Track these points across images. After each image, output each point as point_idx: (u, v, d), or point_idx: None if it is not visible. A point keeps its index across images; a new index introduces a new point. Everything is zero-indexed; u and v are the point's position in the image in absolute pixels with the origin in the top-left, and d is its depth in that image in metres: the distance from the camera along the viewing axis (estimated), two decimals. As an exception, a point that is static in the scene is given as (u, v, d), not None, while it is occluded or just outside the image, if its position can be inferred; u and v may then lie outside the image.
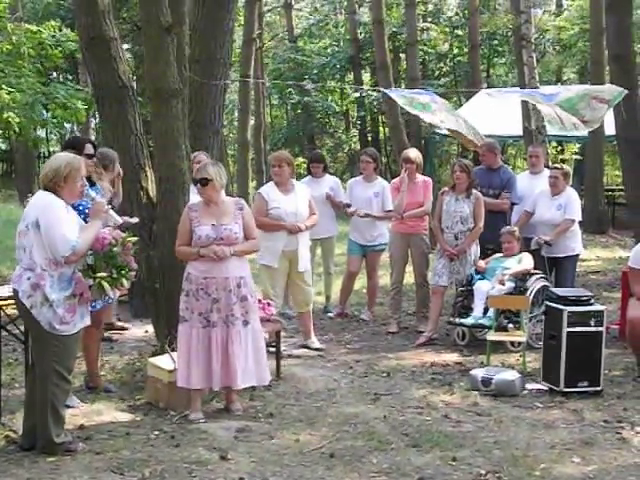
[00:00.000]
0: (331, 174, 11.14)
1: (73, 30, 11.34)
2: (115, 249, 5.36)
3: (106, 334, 8.15)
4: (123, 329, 8.60)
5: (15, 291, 5.24)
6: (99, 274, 5.28)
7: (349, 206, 9.36)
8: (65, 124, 15.80)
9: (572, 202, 8.72)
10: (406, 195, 8.83)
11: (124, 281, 5.42)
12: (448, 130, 9.36)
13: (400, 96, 9.60)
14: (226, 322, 5.98)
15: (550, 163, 12.11)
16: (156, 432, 5.72)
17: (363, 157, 9.65)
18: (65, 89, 11.28)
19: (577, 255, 8.96)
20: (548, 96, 9.29)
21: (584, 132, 10.52)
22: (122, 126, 7.61)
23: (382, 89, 10.73)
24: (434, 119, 8.71)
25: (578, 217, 8.77)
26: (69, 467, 5.07)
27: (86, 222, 5.48)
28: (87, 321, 5.40)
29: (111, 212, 5.70)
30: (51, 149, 33.25)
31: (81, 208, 5.84)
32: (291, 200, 8.02)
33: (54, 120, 11.76)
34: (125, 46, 20.51)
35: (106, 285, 5.29)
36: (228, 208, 6.12)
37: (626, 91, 8.86)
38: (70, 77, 26.53)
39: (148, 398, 6.35)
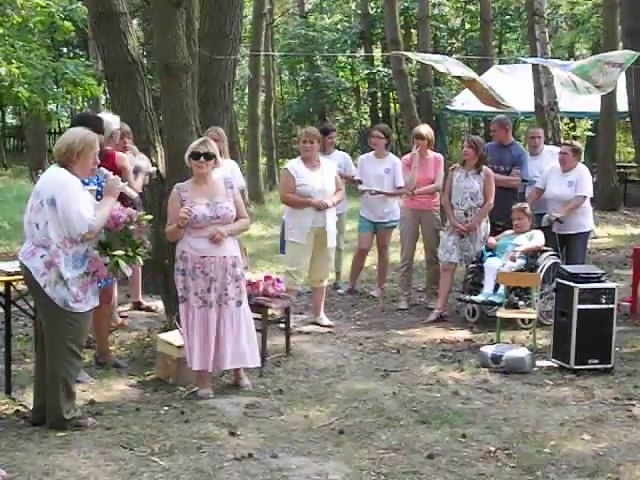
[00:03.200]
0: (341, 150, 11.09)
1: (83, 3, 11.27)
2: (131, 227, 5.40)
3: (123, 312, 8.22)
4: (150, 310, 8.45)
5: (25, 268, 5.21)
6: (115, 252, 5.29)
7: (360, 182, 9.33)
8: (78, 99, 15.75)
9: (583, 179, 8.65)
10: (417, 171, 8.78)
11: (139, 259, 5.46)
12: (463, 80, 8.99)
13: (414, 54, 9.55)
14: (219, 302, 5.95)
15: (562, 139, 12.04)
16: (165, 408, 5.74)
17: (374, 132, 9.60)
18: (74, 65, 11.22)
19: (588, 232, 8.89)
20: (561, 66, 9.23)
21: (598, 94, 10.35)
22: (132, 102, 7.62)
23: (396, 52, 10.62)
24: (448, 68, 8.51)
25: (589, 194, 8.69)
26: (79, 442, 5.09)
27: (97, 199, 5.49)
28: (97, 301, 5.40)
29: (126, 188, 5.70)
30: (62, 125, 33.31)
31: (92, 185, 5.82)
32: (318, 176, 7.97)
33: (67, 95, 11.71)
34: (135, 22, 20.40)
35: (122, 263, 5.32)
36: (219, 186, 6.04)
37: (639, 54, 8.74)
38: (80, 53, 26.47)
39: (158, 374, 6.36)
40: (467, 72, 8.43)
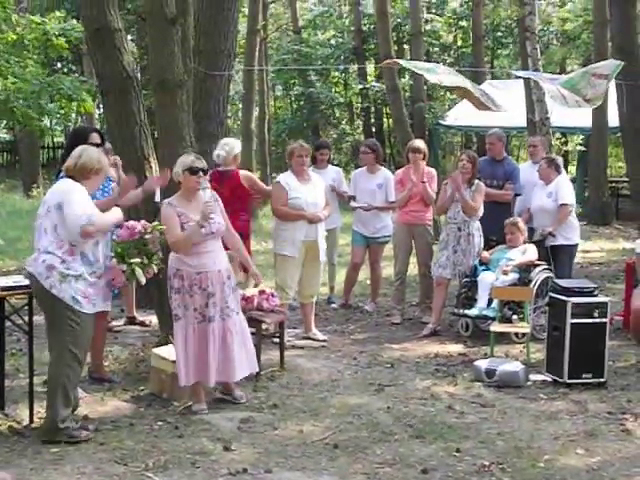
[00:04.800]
0: (334, 165, 11.13)
1: (78, 21, 11.32)
2: (146, 236, 5.66)
3: (117, 326, 8.25)
4: (144, 325, 8.46)
5: (31, 274, 5.37)
6: (132, 260, 5.55)
7: (354, 198, 9.36)
8: (72, 115, 15.81)
9: (561, 188, 8.66)
10: (413, 187, 8.78)
11: (154, 267, 5.70)
12: (455, 89, 9.00)
13: (406, 62, 9.60)
14: (222, 316, 5.97)
15: (554, 154, 12.10)
16: (160, 423, 5.74)
17: (362, 148, 9.70)
18: (70, 80, 11.27)
19: (574, 245, 8.91)
20: (550, 79, 9.31)
21: (588, 108, 10.41)
22: (126, 117, 7.63)
23: (389, 60, 10.66)
24: (439, 78, 8.53)
25: (569, 201, 8.67)
26: (73, 457, 5.09)
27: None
28: (108, 306, 5.58)
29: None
30: (55, 140, 33.31)
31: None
32: (310, 190, 8.00)
33: (61, 111, 11.76)
34: (129, 37, 20.48)
35: (138, 270, 5.57)
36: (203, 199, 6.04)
37: (623, 63, 8.79)
38: (74, 68, 26.53)
39: (152, 389, 6.36)
40: (460, 81, 8.44)
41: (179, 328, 5.97)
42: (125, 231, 5.64)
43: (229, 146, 7.90)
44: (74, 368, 5.37)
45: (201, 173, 5.96)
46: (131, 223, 5.65)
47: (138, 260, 5.59)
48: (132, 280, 5.66)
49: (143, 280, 5.70)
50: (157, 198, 6.48)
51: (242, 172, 7.97)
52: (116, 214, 5.64)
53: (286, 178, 8.07)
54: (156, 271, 5.75)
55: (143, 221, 5.81)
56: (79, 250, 5.32)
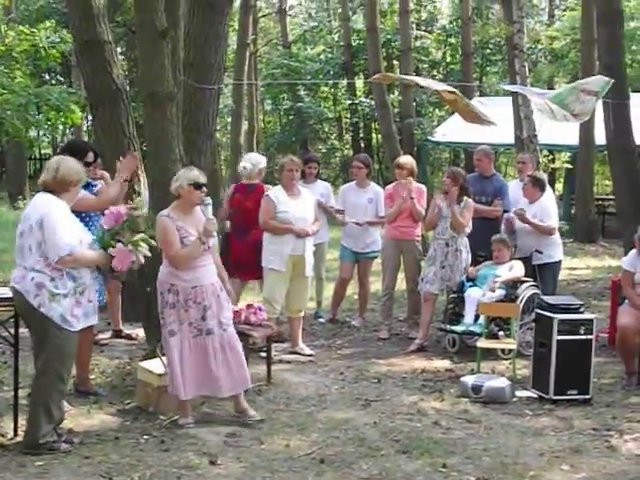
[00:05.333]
0: (323, 180, 11.14)
1: (68, 32, 11.33)
2: (135, 213, 5.64)
3: (103, 339, 8.21)
4: (131, 338, 8.41)
5: (17, 292, 5.28)
6: (134, 237, 5.38)
7: (342, 212, 9.37)
8: (59, 126, 15.79)
9: (544, 209, 8.72)
10: (402, 203, 8.79)
11: (146, 248, 5.47)
12: (446, 99, 8.97)
13: (395, 75, 9.60)
14: (220, 329, 5.93)
15: (541, 171, 12.16)
16: (145, 436, 5.70)
17: (354, 163, 9.68)
18: (58, 92, 11.26)
19: (557, 262, 8.95)
20: (539, 94, 9.35)
21: (575, 123, 10.48)
22: (115, 129, 7.64)
23: (378, 75, 10.65)
24: (429, 84, 8.50)
25: (552, 223, 8.75)
26: (57, 471, 5.05)
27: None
28: (95, 319, 5.54)
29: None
30: (43, 151, 33.21)
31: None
32: (299, 204, 8.03)
33: (48, 122, 11.75)
34: (119, 50, 20.49)
35: (142, 244, 5.39)
36: (199, 214, 6.02)
37: (613, 80, 8.84)
38: (63, 80, 26.49)
39: (138, 402, 6.33)
40: (449, 89, 8.44)
41: (174, 343, 5.87)
42: (110, 217, 5.42)
43: (255, 160, 8.45)
44: (57, 386, 5.32)
45: (204, 188, 5.96)
46: (113, 208, 5.48)
47: (138, 237, 5.41)
48: (139, 256, 5.41)
49: (149, 253, 5.51)
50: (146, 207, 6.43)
51: (266, 187, 8.40)
52: (94, 258, 5.38)
53: (276, 192, 8.10)
54: (149, 254, 5.52)
55: (121, 205, 5.70)
56: (65, 268, 5.24)
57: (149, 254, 5.54)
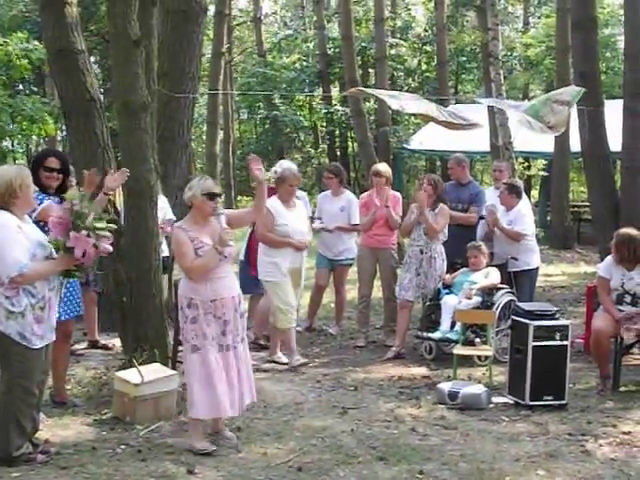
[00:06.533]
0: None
1: (41, 42, 11.28)
2: (76, 209, 5.19)
3: (79, 350, 8.16)
4: (107, 348, 8.36)
5: None
6: (85, 223, 5.12)
7: (319, 219, 9.43)
8: (34, 137, 15.73)
9: (520, 217, 8.82)
10: (377, 210, 8.82)
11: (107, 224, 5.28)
12: (419, 115, 8.98)
13: (369, 90, 9.68)
14: (234, 343, 5.73)
15: (516, 178, 12.23)
16: (122, 446, 5.68)
17: (325, 173, 9.88)
18: (32, 102, 11.21)
19: (534, 269, 9.03)
20: (514, 106, 9.42)
21: (552, 135, 10.56)
22: (89, 139, 7.58)
23: (352, 89, 10.70)
24: (402, 104, 8.50)
25: (526, 231, 8.83)
26: (33, 482, 5.02)
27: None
28: (52, 337, 5.36)
29: None
30: (17, 162, 33.00)
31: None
32: (296, 217, 8.06)
33: (22, 132, 11.69)
34: (93, 59, 20.43)
35: (99, 225, 5.16)
36: (215, 224, 5.78)
37: (584, 89, 8.92)
38: (36, 90, 26.34)
39: (114, 412, 6.30)
40: (424, 106, 8.42)
41: (198, 359, 5.62)
42: (56, 228, 5.18)
43: (286, 165, 8.52)
44: (26, 400, 5.24)
45: (218, 199, 5.81)
46: (53, 219, 5.21)
47: (89, 220, 5.12)
48: (101, 242, 5.17)
49: (109, 234, 5.27)
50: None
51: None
52: (51, 267, 5.23)
53: (273, 204, 7.95)
54: (110, 235, 5.28)
55: (53, 212, 5.40)
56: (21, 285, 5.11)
57: (109, 234, 5.28)
